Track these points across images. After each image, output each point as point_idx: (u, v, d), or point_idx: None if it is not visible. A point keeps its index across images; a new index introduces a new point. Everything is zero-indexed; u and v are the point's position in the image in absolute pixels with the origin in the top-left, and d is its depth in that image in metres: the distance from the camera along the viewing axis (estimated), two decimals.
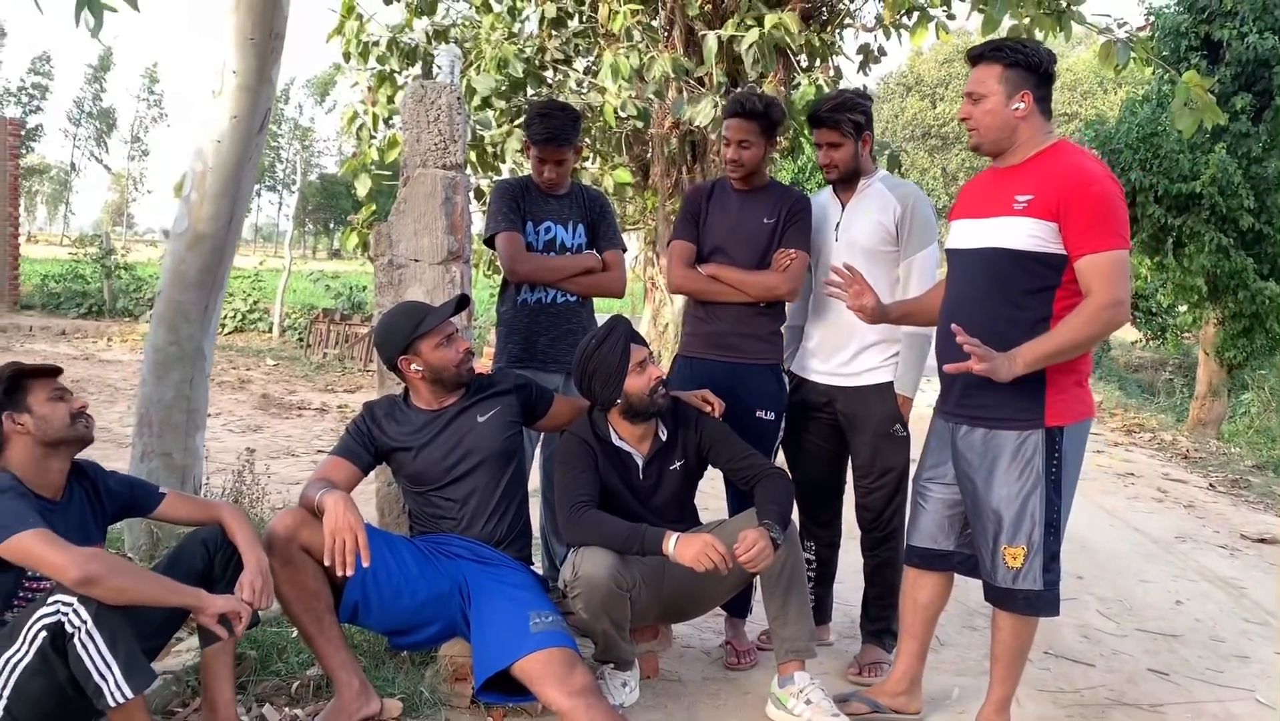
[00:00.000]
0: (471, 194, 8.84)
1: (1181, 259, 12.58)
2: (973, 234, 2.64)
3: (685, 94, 8.59)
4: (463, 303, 2.83)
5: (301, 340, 14.52)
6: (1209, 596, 4.50)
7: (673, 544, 2.62)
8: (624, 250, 3.48)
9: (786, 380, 3.39)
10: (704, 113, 7.96)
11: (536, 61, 9.84)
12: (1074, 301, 2.53)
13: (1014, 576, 2.60)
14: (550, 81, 10.06)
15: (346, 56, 9.78)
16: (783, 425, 3.32)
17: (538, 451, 3.47)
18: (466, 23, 10.34)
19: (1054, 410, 2.57)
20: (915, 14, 8.56)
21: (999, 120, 2.57)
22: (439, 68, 3.10)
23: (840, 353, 3.25)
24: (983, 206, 2.63)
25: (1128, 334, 22.08)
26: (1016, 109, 2.57)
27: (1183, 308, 15.23)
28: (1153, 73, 12.61)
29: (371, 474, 2.90)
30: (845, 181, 3.27)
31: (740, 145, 3.19)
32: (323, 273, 17.89)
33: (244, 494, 4.09)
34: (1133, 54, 8.42)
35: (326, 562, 2.47)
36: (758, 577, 2.82)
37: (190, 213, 3.82)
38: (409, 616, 2.67)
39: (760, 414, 3.23)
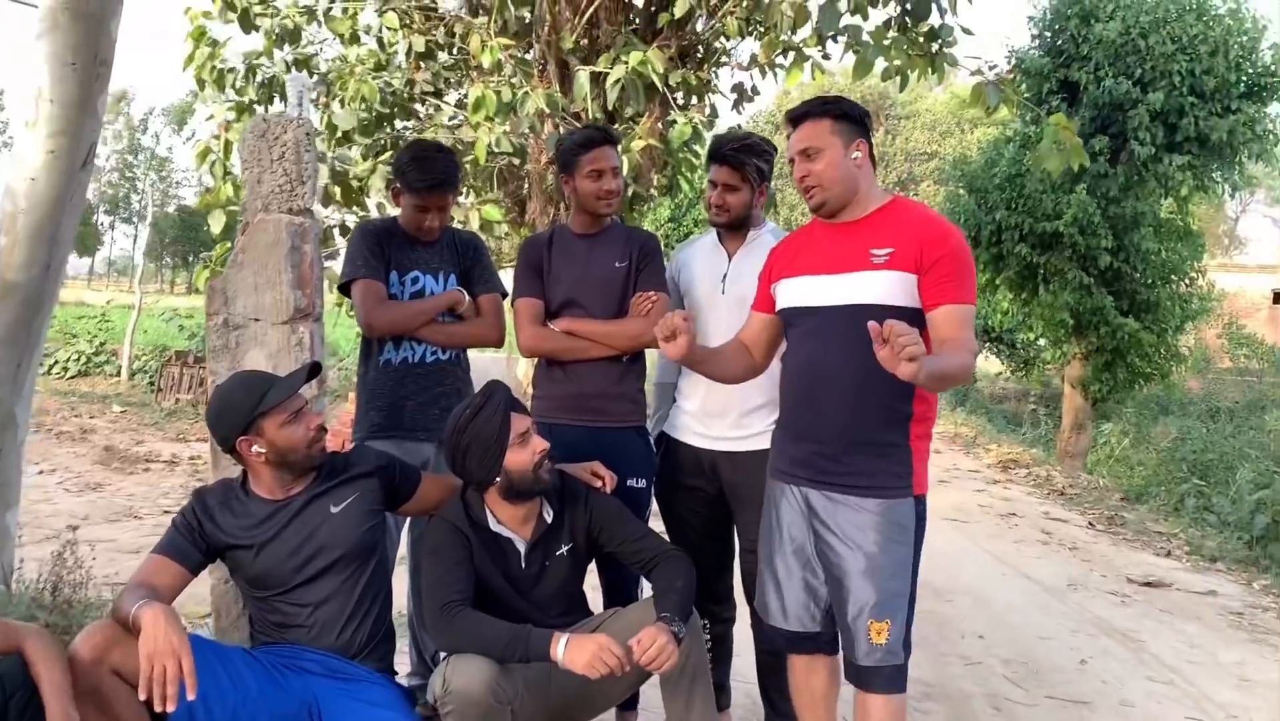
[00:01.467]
0: (336, 230, 8.38)
1: (1046, 295, 12.91)
2: (825, 290, 2.44)
3: (561, 129, 8.32)
4: (314, 370, 2.44)
5: (152, 384, 13.65)
6: (1110, 653, 4.38)
7: (562, 648, 2.28)
8: (503, 295, 3.14)
9: (657, 445, 3.10)
10: None
11: (405, 94, 9.44)
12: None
13: (879, 653, 2.38)
14: (420, 115, 9.68)
15: (200, 85, 9.19)
16: (652, 493, 3.03)
17: (404, 532, 3.08)
18: (337, 60, 9.87)
19: (920, 477, 2.42)
20: (790, 54, 8.51)
21: (841, 172, 2.42)
22: (290, 98, 2.70)
23: (723, 415, 2.97)
24: (832, 262, 2.45)
25: (993, 365, 22.75)
26: (855, 158, 2.44)
27: (1042, 341, 15.72)
28: (1015, 114, 12.95)
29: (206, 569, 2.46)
30: (732, 229, 3.02)
31: (614, 173, 2.92)
32: (176, 311, 16.88)
33: (64, 580, 3.56)
34: (1003, 96, 8.55)
35: (142, 695, 2.02)
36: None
37: None
38: None
39: (631, 482, 2.90)
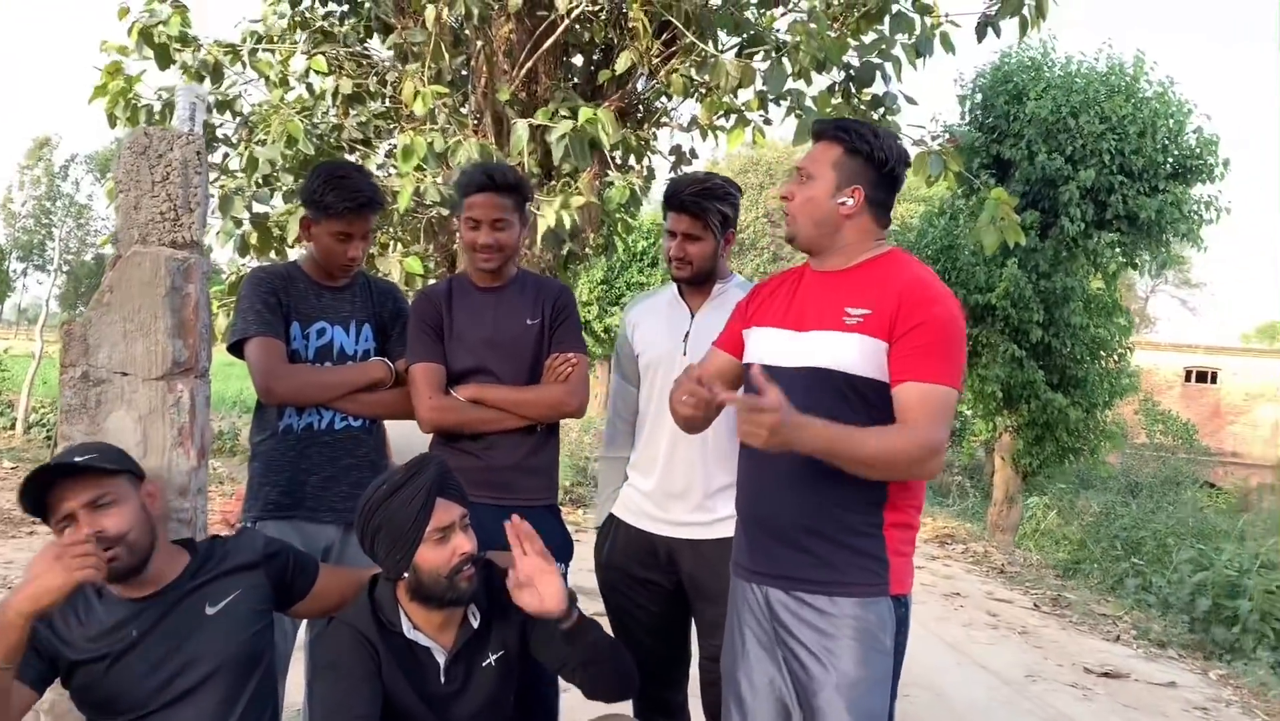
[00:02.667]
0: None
1: (978, 368, 12.86)
2: (790, 348, 2.11)
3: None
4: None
5: (49, 439, 12.85)
6: None
7: None
8: None
9: (604, 530, 2.74)
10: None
11: (332, 140, 9.03)
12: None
13: None
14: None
15: (111, 120, 8.67)
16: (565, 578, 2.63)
17: (301, 631, 2.62)
18: (261, 105, 9.43)
19: (898, 572, 2.07)
20: (732, 117, 8.33)
21: (819, 212, 2.10)
22: (180, 110, 2.29)
23: (684, 496, 2.60)
24: (803, 315, 2.12)
25: None
26: (843, 204, 2.09)
27: (969, 413, 15.70)
28: (952, 188, 13.01)
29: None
30: (696, 283, 2.66)
31: (494, 225, 2.54)
32: None
33: None
34: (946, 166, 8.45)
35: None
36: None
37: None
38: None
39: None
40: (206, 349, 2.21)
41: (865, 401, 2.01)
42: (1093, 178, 12.03)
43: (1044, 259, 12.54)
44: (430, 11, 7.21)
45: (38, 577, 1.67)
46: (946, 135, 13.39)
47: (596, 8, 7.96)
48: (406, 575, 2.04)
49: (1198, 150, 12.24)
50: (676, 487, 2.60)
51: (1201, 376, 29.16)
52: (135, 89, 8.44)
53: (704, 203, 2.60)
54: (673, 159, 9.17)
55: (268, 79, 9.01)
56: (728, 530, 2.46)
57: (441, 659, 2.11)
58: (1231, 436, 28.07)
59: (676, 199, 2.63)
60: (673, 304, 2.72)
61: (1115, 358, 13.51)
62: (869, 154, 2.08)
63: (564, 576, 2.56)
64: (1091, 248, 12.63)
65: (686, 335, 2.64)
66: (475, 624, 2.14)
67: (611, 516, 2.73)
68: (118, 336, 2.11)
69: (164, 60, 8.08)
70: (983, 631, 6.25)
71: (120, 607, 1.93)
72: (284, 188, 9.21)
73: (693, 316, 2.66)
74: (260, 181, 8.58)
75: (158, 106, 8.21)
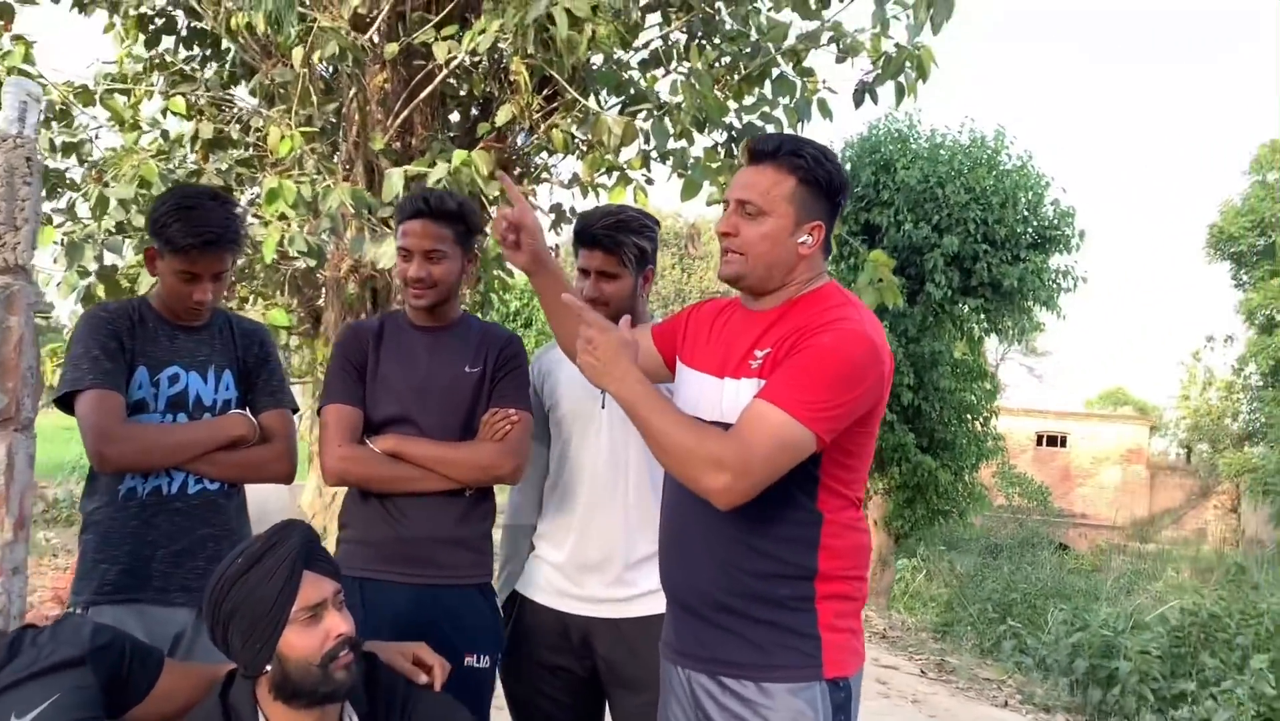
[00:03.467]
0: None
1: None
2: (702, 396, 1.86)
3: (367, 232, 7.61)
4: None
5: None
6: None
7: None
8: (294, 410, 2.40)
9: (506, 608, 2.43)
10: (386, 255, 7.01)
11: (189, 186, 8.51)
12: (843, 507, 1.80)
13: None
14: None
15: None
16: (497, 675, 2.33)
17: None
18: (112, 150, 8.82)
19: (833, 652, 1.79)
20: (614, 174, 8.20)
21: (776, 253, 1.82)
22: (6, 108, 1.92)
23: (601, 569, 2.31)
24: (719, 358, 1.87)
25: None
26: (803, 243, 1.82)
27: None
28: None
29: None
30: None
31: (428, 256, 2.25)
32: None
33: None
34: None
35: None
36: None
37: None
38: None
39: (471, 661, 2.20)
40: (32, 397, 1.83)
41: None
42: (958, 245, 12.40)
43: (912, 324, 12.81)
44: (298, 52, 6.87)
45: None
46: None
47: (476, 59, 7.76)
48: (269, 668, 1.69)
49: (1055, 221, 12.80)
50: (592, 559, 2.31)
51: (1052, 440, 30.36)
52: None
53: (619, 236, 2.35)
54: (553, 216, 8.98)
55: (121, 122, 8.46)
56: (651, 607, 2.20)
57: None
58: (1080, 498, 29.24)
59: (588, 233, 2.38)
60: None
61: (981, 421, 13.85)
62: (826, 183, 1.84)
63: (493, 668, 2.24)
64: (957, 313, 12.98)
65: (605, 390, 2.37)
66: None
67: (514, 594, 2.42)
68: None
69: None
70: (875, 701, 6.09)
71: None
72: (138, 235, 8.62)
73: None
74: (111, 230, 7.99)
75: None
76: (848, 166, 13.62)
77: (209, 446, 2.19)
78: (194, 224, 2.16)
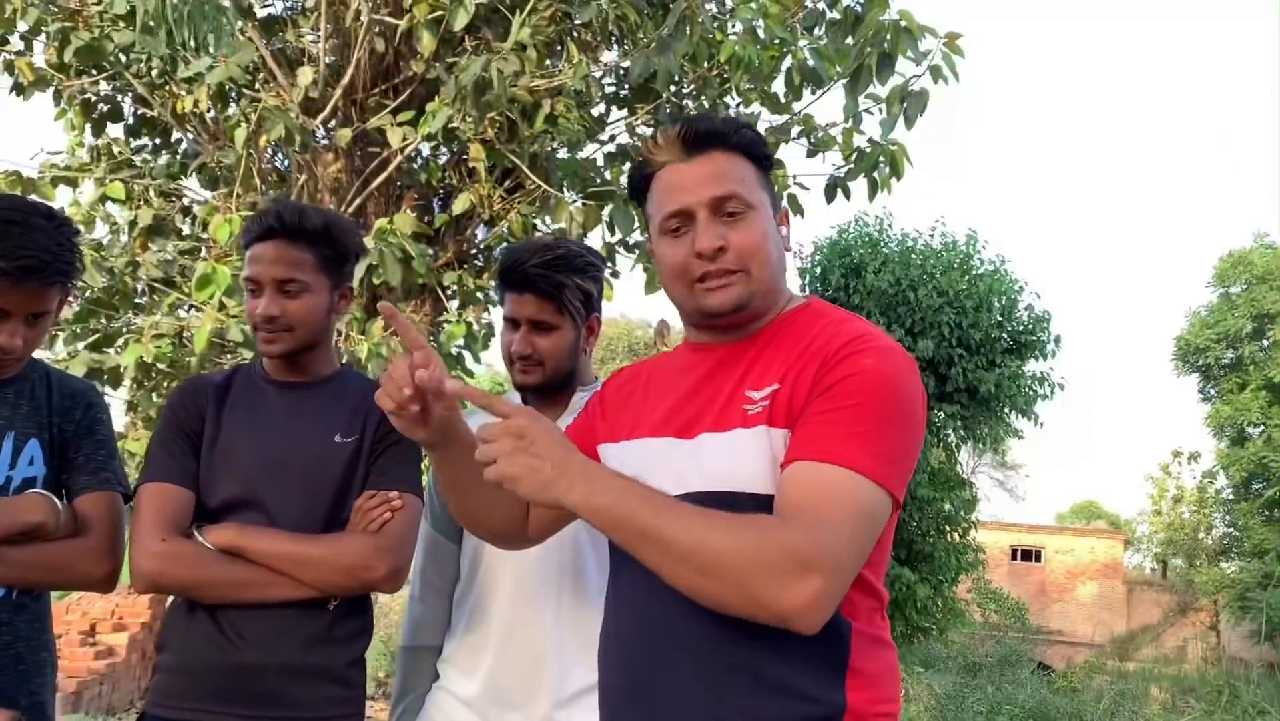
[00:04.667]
0: None
1: None
2: (677, 466, 1.37)
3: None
4: None
5: None
6: None
7: None
8: (127, 496, 1.85)
9: None
10: None
11: (128, 275, 8.05)
12: (872, 611, 1.33)
13: None
14: (144, 304, 8.26)
15: None
16: None
17: None
18: None
19: None
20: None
21: (775, 250, 1.42)
22: None
23: (525, 705, 1.79)
24: (672, 415, 1.42)
25: None
26: (785, 235, 1.46)
27: None
28: None
29: None
30: (548, 391, 1.92)
31: (282, 289, 1.78)
32: None
33: None
34: None
35: None
36: None
37: None
38: None
39: None
40: None
41: None
42: (932, 350, 12.15)
43: None
44: (240, 133, 6.52)
45: None
46: None
47: (435, 145, 7.47)
48: None
49: (1030, 326, 12.62)
50: (513, 692, 1.80)
51: (1026, 555, 29.88)
52: None
53: (557, 277, 1.89)
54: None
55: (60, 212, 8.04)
56: None
57: None
58: (1057, 614, 28.64)
59: (518, 272, 1.91)
60: None
61: (959, 532, 13.40)
62: (769, 160, 1.45)
63: None
64: (933, 420, 12.65)
65: None
66: None
67: None
68: None
69: None
70: None
71: None
72: (65, 330, 8.14)
73: None
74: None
75: None
76: (817, 270, 13.44)
77: None
78: (11, 244, 1.67)
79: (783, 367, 1.35)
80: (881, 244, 13.22)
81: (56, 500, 1.72)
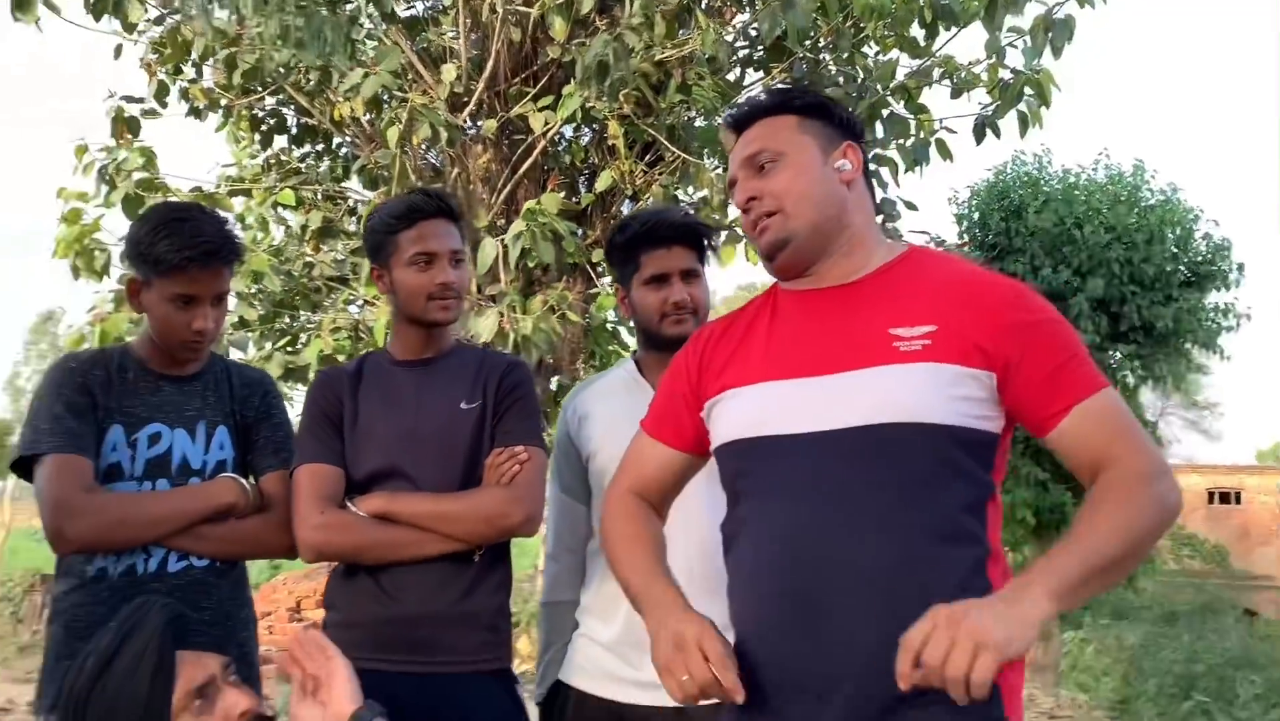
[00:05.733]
0: None
1: (1002, 494, 12.15)
2: (813, 403, 1.43)
3: (472, 308, 7.50)
4: None
5: (15, 614, 12.12)
6: None
7: None
8: None
9: (549, 702, 2.06)
10: (488, 327, 6.86)
11: (304, 278, 8.61)
12: (998, 547, 1.42)
13: None
14: (323, 304, 8.82)
15: (75, 273, 8.27)
16: None
17: None
18: None
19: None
20: (723, 233, 7.94)
21: (821, 187, 1.48)
22: None
23: None
24: (820, 353, 1.45)
25: None
26: (842, 169, 1.50)
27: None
28: None
29: None
30: (668, 348, 1.98)
31: (454, 260, 1.97)
32: None
33: None
34: None
35: None
36: None
37: None
38: None
39: None
40: None
41: (961, 463, 1.37)
42: (1102, 288, 11.60)
43: None
44: (393, 133, 6.87)
45: None
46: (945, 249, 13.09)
47: (576, 127, 7.66)
48: None
49: (1209, 255, 11.87)
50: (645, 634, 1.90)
51: (1225, 497, 28.25)
52: (95, 236, 8.04)
53: (699, 229, 2.07)
54: None
55: (241, 220, 8.67)
56: None
57: None
58: (1263, 558, 26.98)
59: (666, 228, 2.06)
60: (631, 385, 2.10)
61: None
62: (827, 108, 1.55)
63: None
64: (1107, 361, 12.09)
65: None
66: None
67: (558, 684, 2.04)
68: None
69: (131, 208, 7.70)
70: None
71: None
72: (255, 331, 8.75)
73: None
74: (236, 325, 8.12)
75: (116, 254, 7.78)
76: (975, 215, 13.00)
77: (191, 518, 1.88)
78: (186, 237, 1.88)
79: (930, 308, 1.42)
80: (1042, 182, 12.66)
81: (244, 481, 1.95)
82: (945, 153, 7.11)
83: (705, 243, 2.09)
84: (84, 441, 1.86)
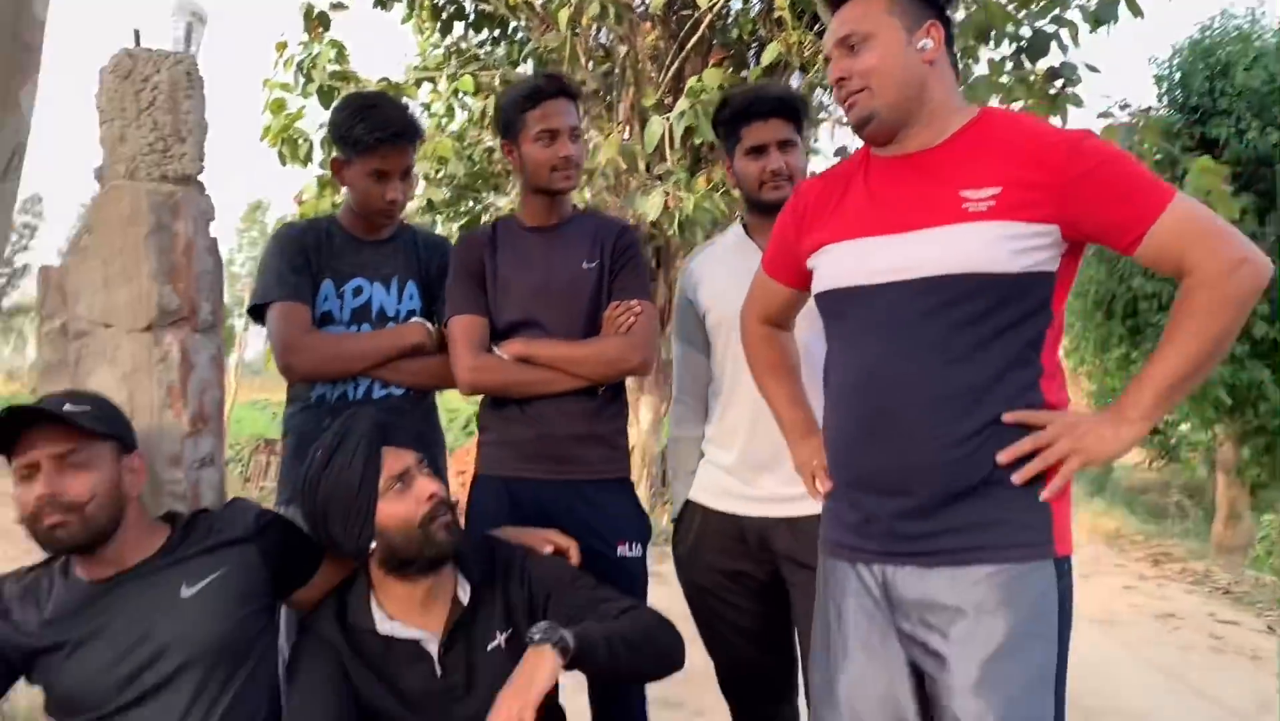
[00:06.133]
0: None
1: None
2: (889, 257, 1.64)
3: (635, 184, 7.74)
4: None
5: (243, 473, 13.51)
6: None
7: None
8: None
9: (680, 519, 2.36)
10: (655, 206, 7.09)
11: (484, 162, 9.03)
12: (1058, 349, 1.63)
13: None
14: (503, 186, 9.25)
15: (282, 159, 8.97)
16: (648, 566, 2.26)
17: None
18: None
19: (1062, 527, 1.58)
20: None
21: (900, 66, 1.63)
22: (178, 32, 2.02)
23: (774, 467, 2.15)
24: (897, 213, 1.65)
25: (1131, 455, 20.98)
26: (924, 48, 1.64)
27: (1186, 426, 14.24)
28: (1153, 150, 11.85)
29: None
30: (771, 211, 2.16)
31: (573, 136, 2.21)
32: (269, 400, 16.90)
33: None
34: (1136, 137, 7.55)
35: None
36: None
37: None
38: None
39: (624, 549, 2.16)
40: (212, 302, 1.94)
41: (1016, 308, 1.57)
42: None
43: (1263, 245, 11.22)
44: (564, 14, 7.04)
45: None
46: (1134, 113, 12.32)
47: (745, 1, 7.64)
48: (374, 546, 1.73)
49: None
50: (764, 457, 2.17)
51: None
52: (298, 125, 8.68)
53: (794, 103, 2.21)
54: (837, 160, 8.69)
55: (427, 108, 9.13)
56: None
57: (433, 648, 1.76)
58: None
59: (765, 102, 2.22)
60: (739, 246, 2.31)
61: None
62: None
63: (643, 558, 2.18)
64: None
65: None
66: (465, 599, 1.80)
67: (689, 503, 2.33)
68: (98, 283, 1.87)
69: (326, 99, 8.25)
70: (1203, 656, 5.41)
71: (82, 590, 1.68)
72: (441, 214, 9.27)
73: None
74: (424, 209, 8.68)
75: (318, 141, 8.38)
76: (1176, 76, 12.15)
77: (388, 354, 2.23)
78: (378, 120, 2.21)
79: (995, 171, 1.58)
80: (1254, 37, 11.65)
81: (430, 326, 2.30)
82: (1135, 9, 6.74)
83: (800, 114, 2.24)
84: (303, 292, 2.23)
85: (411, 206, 9.09)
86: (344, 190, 2.36)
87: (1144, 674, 4.89)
